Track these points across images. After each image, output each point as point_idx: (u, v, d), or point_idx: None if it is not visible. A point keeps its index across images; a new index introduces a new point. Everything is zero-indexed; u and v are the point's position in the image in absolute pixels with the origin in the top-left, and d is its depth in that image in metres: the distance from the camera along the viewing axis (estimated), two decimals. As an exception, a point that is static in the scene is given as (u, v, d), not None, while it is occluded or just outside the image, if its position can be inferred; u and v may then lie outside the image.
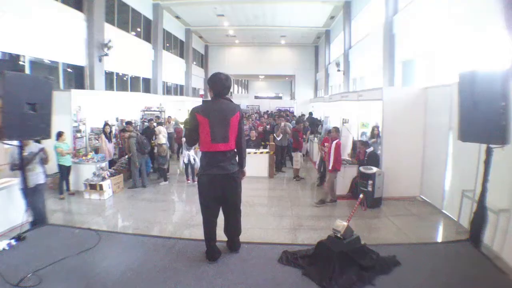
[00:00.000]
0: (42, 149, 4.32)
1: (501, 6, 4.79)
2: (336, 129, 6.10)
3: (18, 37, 7.51)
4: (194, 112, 2.77)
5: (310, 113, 15.44)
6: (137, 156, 6.85)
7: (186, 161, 7.26)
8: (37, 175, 4.26)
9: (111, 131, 7.63)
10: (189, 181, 7.37)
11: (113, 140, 7.73)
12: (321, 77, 22.08)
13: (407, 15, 9.07)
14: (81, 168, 6.55)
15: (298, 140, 8.06)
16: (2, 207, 4.35)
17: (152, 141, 7.61)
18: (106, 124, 7.63)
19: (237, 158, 2.98)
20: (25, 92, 3.24)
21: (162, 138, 7.32)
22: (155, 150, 7.50)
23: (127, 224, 4.97)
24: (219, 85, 2.82)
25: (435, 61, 7.65)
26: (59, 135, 6.11)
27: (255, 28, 19.63)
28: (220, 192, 2.84)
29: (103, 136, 7.42)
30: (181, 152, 8.40)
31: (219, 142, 2.75)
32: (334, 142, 5.77)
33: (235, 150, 2.93)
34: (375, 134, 6.87)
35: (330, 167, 5.78)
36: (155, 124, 8.64)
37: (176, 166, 8.33)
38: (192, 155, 7.27)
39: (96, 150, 7.43)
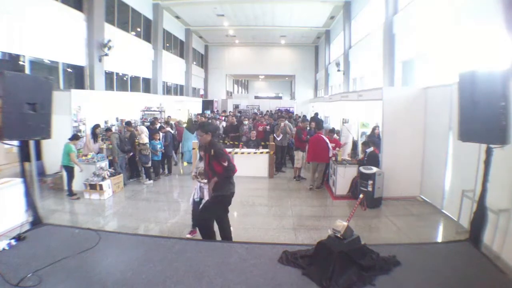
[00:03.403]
0: None
1: (501, 6, 4.79)
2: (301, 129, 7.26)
3: (18, 37, 7.51)
4: (225, 151, 3.82)
5: (316, 114, 15.08)
6: (118, 153, 6.91)
7: (197, 197, 4.41)
8: None
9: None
10: (195, 234, 4.41)
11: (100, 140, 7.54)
12: (321, 77, 22.08)
13: (407, 15, 9.07)
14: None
15: (301, 139, 7.67)
16: (2, 207, 4.34)
17: (136, 140, 7.53)
18: (96, 126, 7.49)
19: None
20: (25, 92, 3.24)
21: (145, 138, 7.40)
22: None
23: (127, 224, 4.96)
24: (215, 131, 3.97)
25: (435, 61, 7.65)
26: (77, 137, 6.17)
27: (255, 28, 19.62)
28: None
29: (89, 136, 7.38)
30: (180, 151, 8.30)
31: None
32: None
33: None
34: (376, 133, 6.96)
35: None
36: (159, 125, 8.63)
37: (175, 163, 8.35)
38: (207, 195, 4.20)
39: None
